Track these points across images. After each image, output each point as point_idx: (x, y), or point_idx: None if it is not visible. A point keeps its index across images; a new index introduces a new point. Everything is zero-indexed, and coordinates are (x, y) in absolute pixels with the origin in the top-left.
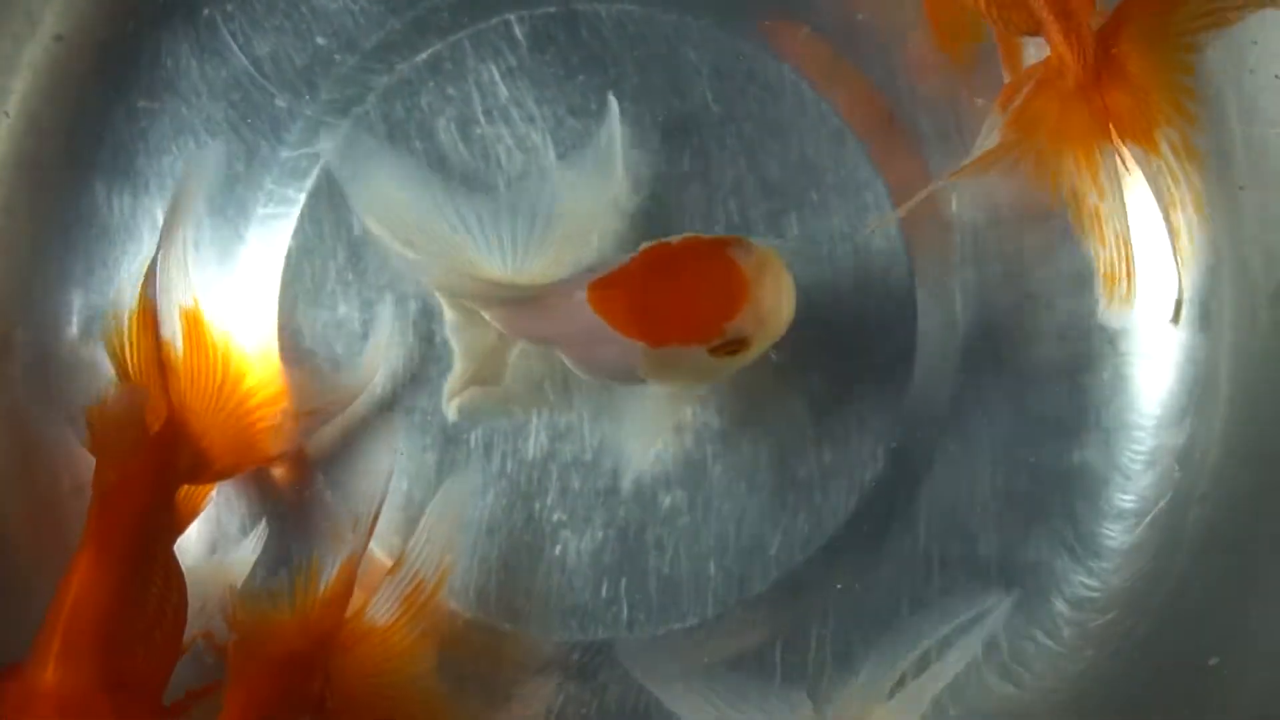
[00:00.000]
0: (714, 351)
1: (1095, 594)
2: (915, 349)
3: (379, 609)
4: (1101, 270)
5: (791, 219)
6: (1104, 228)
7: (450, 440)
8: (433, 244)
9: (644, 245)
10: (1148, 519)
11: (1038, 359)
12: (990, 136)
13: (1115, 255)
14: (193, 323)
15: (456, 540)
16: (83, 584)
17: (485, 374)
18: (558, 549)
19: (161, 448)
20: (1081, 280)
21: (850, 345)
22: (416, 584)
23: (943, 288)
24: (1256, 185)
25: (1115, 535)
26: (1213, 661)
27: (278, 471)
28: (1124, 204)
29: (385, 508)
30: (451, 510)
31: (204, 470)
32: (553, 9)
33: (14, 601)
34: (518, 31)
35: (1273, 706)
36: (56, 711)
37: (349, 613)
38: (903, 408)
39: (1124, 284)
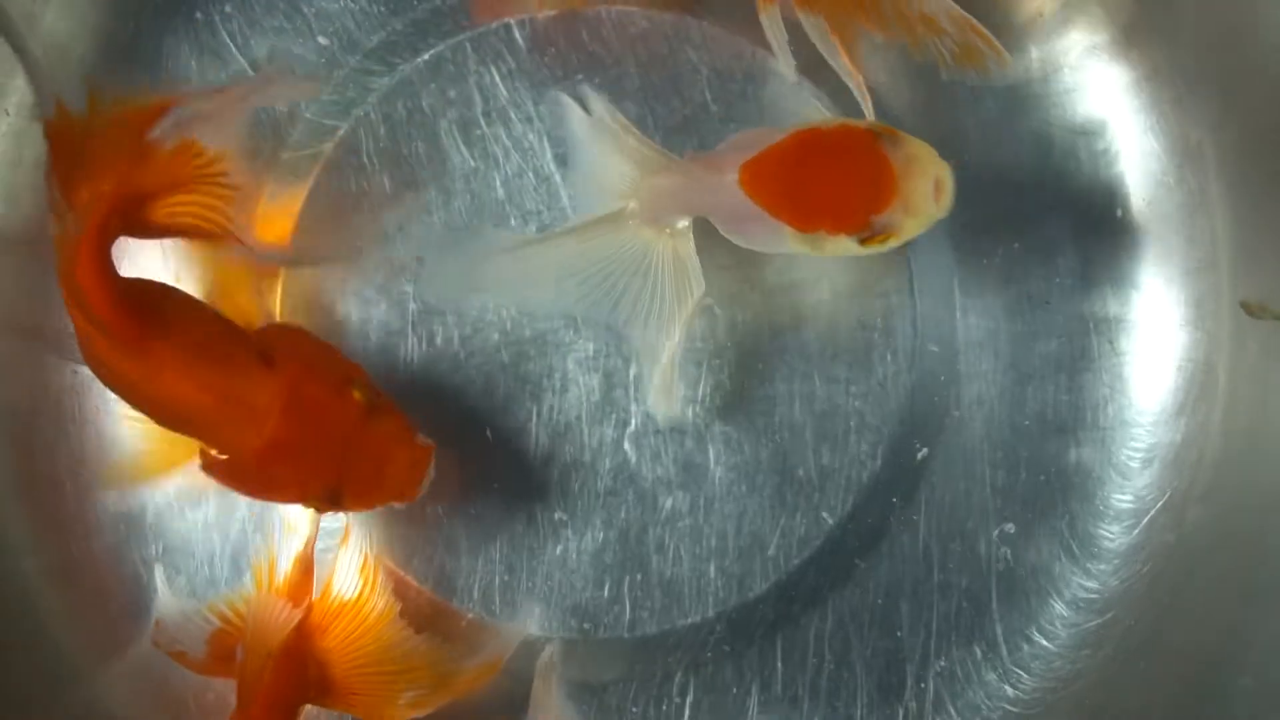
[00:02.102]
0: (863, 241)
1: (1093, 595)
2: (915, 349)
3: (343, 583)
4: (967, 55)
5: None
6: (937, 22)
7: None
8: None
9: (796, 125)
10: (1145, 519)
11: (1037, 359)
12: (824, 43)
13: (962, 34)
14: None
15: None
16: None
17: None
18: (559, 549)
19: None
20: (1082, 280)
21: (850, 345)
22: (364, 556)
23: (942, 287)
24: (1256, 185)
25: (1113, 536)
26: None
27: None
28: None
29: None
30: None
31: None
32: (554, 11)
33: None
34: (518, 35)
35: (1271, 708)
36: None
37: (316, 596)
38: (902, 407)
39: (987, 49)
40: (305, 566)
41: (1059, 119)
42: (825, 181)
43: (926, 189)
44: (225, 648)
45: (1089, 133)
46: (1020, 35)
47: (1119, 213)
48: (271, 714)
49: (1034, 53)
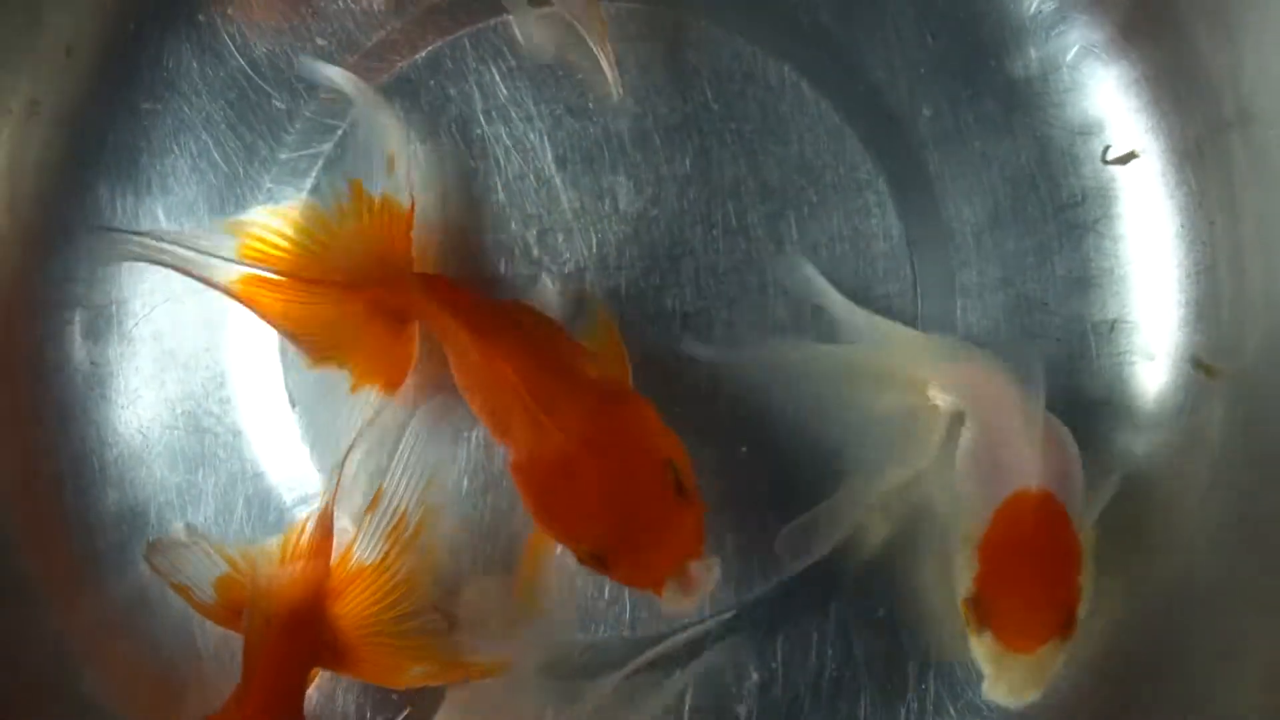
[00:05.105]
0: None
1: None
2: None
3: (363, 549)
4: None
5: (790, 219)
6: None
7: (451, 440)
8: None
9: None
10: (1143, 519)
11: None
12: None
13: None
14: None
15: (437, 470)
16: None
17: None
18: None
19: None
20: (1079, 282)
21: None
22: (399, 518)
23: (942, 289)
24: (1256, 187)
25: (1113, 534)
26: None
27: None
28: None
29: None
30: (425, 440)
31: None
32: (553, 9)
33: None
34: (517, 34)
35: (1272, 707)
36: None
37: (334, 559)
38: None
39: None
40: (325, 527)
41: (1059, 119)
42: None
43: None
44: (235, 598)
45: (1088, 132)
46: (1019, 35)
47: (1118, 213)
48: (277, 679)
49: (1033, 53)
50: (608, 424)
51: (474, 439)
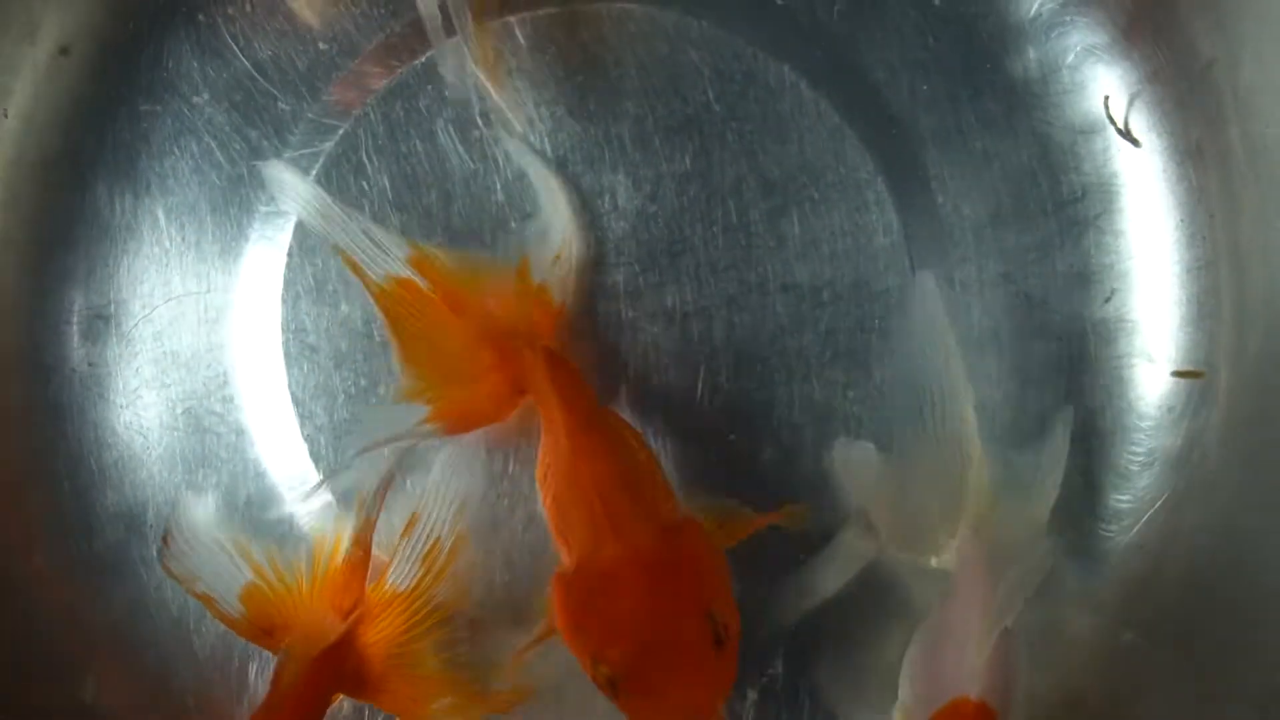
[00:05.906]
0: None
1: (1092, 595)
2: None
3: (399, 574)
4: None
5: (791, 218)
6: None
7: (483, 469)
8: None
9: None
10: (1144, 519)
11: (1036, 360)
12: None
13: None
14: None
15: (469, 496)
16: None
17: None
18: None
19: None
20: (1080, 281)
21: (849, 347)
22: (433, 544)
23: (941, 288)
24: (1255, 184)
25: (1113, 535)
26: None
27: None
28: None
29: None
30: (459, 467)
31: None
32: (554, 10)
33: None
34: (518, 34)
35: (1273, 709)
36: None
37: (369, 583)
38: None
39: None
40: (364, 549)
41: (1059, 119)
42: None
43: None
44: (263, 613)
45: (1089, 131)
46: (1020, 36)
47: (1119, 212)
48: (302, 711)
49: (1033, 53)
50: (666, 554)
51: (509, 470)
